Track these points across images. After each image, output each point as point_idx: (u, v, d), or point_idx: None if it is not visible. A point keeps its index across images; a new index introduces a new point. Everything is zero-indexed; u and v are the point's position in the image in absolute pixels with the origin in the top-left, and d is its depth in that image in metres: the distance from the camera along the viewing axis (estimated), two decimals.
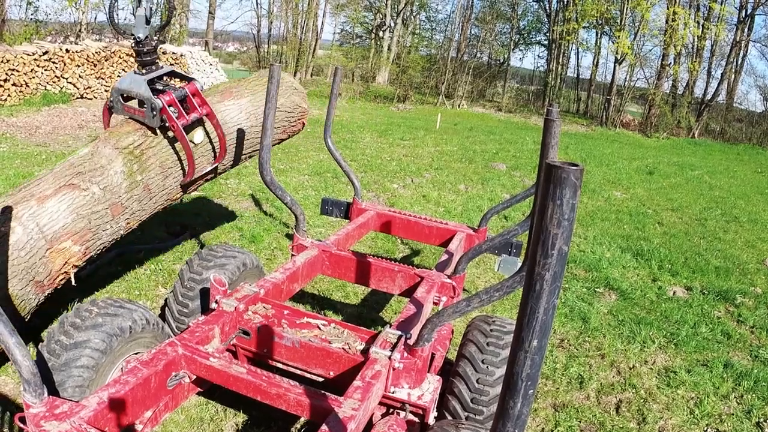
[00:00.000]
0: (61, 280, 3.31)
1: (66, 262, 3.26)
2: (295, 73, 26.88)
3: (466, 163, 12.48)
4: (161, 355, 2.53)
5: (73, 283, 3.32)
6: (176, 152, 3.76)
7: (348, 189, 8.55)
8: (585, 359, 4.44)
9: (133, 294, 4.58)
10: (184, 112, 3.60)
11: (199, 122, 3.80)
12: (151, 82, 3.59)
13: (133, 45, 3.60)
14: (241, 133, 4.12)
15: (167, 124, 3.56)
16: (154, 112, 3.47)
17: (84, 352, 2.54)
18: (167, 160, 3.72)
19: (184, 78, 3.82)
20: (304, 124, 4.77)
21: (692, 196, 12.09)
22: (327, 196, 5.59)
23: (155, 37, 3.65)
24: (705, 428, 3.80)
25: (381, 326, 4.52)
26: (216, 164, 3.99)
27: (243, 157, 4.35)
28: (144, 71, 3.61)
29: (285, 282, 3.49)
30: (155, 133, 3.66)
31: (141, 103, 3.64)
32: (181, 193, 4.00)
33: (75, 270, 3.36)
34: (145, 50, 3.59)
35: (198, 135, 3.80)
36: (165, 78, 3.77)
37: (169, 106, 3.53)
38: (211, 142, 3.95)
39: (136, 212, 3.62)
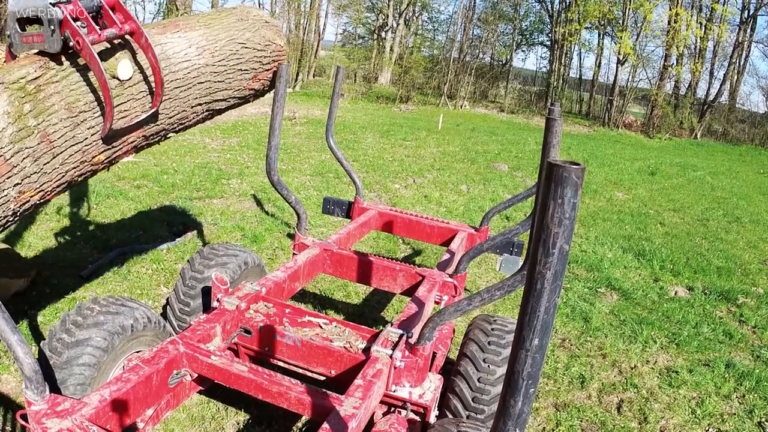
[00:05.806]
0: None
1: None
2: (297, 74, 26.85)
3: (468, 163, 12.48)
4: (163, 353, 2.54)
5: None
6: (94, 91, 2.65)
7: (350, 189, 8.55)
8: (586, 359, 4.44)
9: (135, 293, 4.59)
10: (96, 27, 2.57)
11: (123, 48, 2.74)
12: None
13: None
14: (190, 72, 3.00)
15: (72, 44, 2.49)
16: (53, 27, 2.46)
17: (86, 350, 2.55)
18: (78, 101, 2.59)
19: None
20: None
21: (694, 196, 12.07)
22: (329, 196, 5.59)
23: None
24: (707, 428, 3.80)
25: (382, 325, 4.52)
26: (154, 109, 2.80)
27: (197, 108, 3.13)
28: None
29: (286, 281, 3.49)
30: (61, 64, 2.57)
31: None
32: (108, 151, 2.77)
33: None
34: None
35: (123, 68, 2.69)
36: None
37: (74, 20, 2.49)
38: (146, 80, 2.77)
39: (33, 176, 2.47)
